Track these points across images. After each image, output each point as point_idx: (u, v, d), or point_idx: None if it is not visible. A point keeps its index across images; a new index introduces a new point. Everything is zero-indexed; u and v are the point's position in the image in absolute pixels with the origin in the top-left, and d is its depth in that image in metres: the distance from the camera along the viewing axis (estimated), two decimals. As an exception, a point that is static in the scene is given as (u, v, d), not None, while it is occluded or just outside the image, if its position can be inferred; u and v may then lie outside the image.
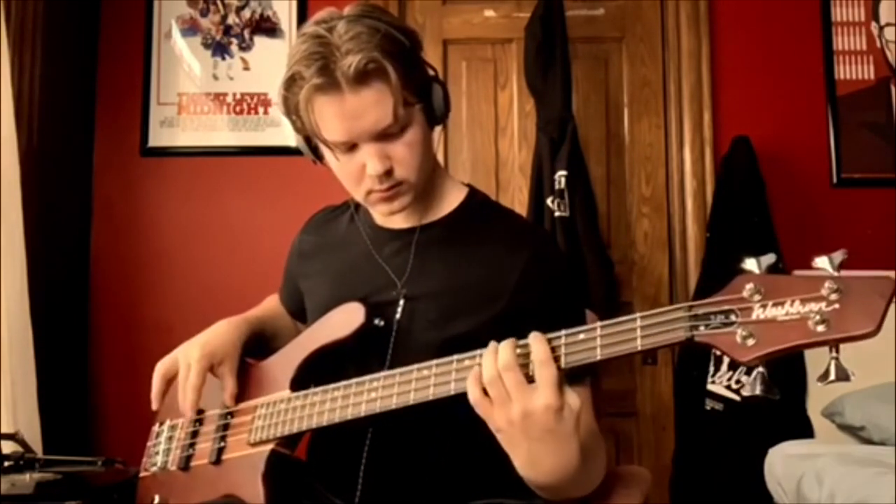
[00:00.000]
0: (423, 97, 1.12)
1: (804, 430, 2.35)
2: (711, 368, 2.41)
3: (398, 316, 1.16)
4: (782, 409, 2.35)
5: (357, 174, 1.12)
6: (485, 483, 1.13)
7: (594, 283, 2.40)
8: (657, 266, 2.72)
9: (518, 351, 0.91)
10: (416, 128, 1.11)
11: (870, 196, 2.68)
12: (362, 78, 1.04)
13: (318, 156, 1.19)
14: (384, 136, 1.09)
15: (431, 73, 1.16)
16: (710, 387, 2.40)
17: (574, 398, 0.89)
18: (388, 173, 1.10)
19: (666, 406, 2.63)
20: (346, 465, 1.16)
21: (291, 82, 1.08)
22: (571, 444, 0.90)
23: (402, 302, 1.17)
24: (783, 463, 2.11)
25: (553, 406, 0.87)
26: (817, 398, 2.35)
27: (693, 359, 2.47)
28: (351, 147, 1.10)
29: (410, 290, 1.17)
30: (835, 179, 2.70)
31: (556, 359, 0.89)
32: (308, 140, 1.18)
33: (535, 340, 0.90)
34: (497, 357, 0.90)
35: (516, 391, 0.88)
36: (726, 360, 2.38)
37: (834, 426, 2.29)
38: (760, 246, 2.44)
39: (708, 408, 2.39)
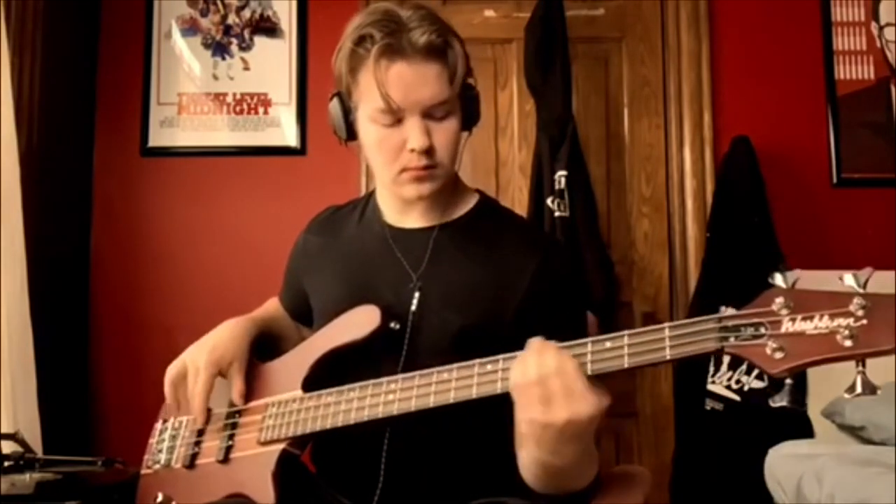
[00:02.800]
0: (466, 92, 1.17)
1: (804, 430, 2.35)
2: (711, 368, 2.41)
3: (413, 308, 1.16)
4: (782, 408, 2.35)
5: (397, 148, 1.14)
6: (498, 483, 1.13)
7: (594, 283, 2.41)
8: (657, 266, 2.72)
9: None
10: (456, 119, 1.16)
11: (870, 196, 2.68)
12: (429, 52, 1.10)
13: (350, 134, 1.19)
14: (431, 115, 1.12)
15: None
16: (710, 387, 2.40)
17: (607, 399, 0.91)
18: (429, 152, 1.13)
19: (666, 406, 2.63)
20: (360, 467, 1.16)
21: (361, 40, 1.11)
22: (589, 445, 0.94)
23: (417, 294, 1.17)
24: (783, 463, 2.11)
25: (598, 414, 0.89)
26: (817, 398, 2.35)
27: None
28: (397, 120, 1.12)
29: (426, 284, 1.17)
30: (835, 179, 2.70)
31: (582, 365, 0.91)
32: (346, 114, 1.18)
33: (565, 356, 0.90)
34: (546, 360, 0.90)
35: (563, 396, 0.89)
36: (726, 360, 2.38)
37: (834, 426, 2.28)
38: (760, 246, 2.44)
39: (708, 408, 2.39)
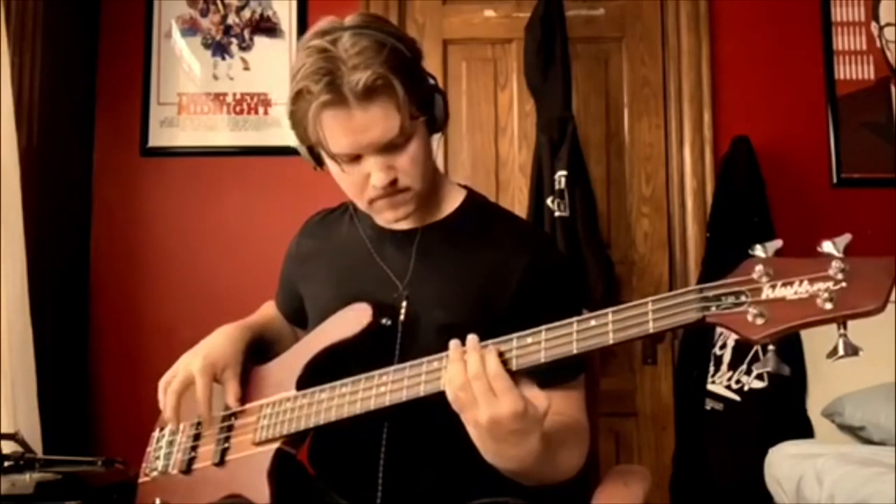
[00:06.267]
0: (426, 109, 1.13)
1: (804, 430, 2.35)
2: (711, 368, 2.40)
3: (402, 317, 1.16)
4: (782, 408, 2.35)
5: (361, 184, 1.13)
6: (498, 482, 1.13)
7: (594, 283, 2.40)
8: (657, 266, 2.72)
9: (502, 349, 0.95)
10: (419, 138, 1.12)
11: (870, 196, 2.68)
12: (370, 94, 1.04)
13: (319, 162, 1.19)
14: (388, 148, 1.09)
15: (432, 81, 1.17)
16: (710, 387, 2.40)
17: (541, 399, 0.95)
18: (393, 183, 1.11)
19: (666, 406, 2.63)
20: (357, 466, 1.16)
21: (298, 97, 1.08)
22: (532, 438, 0.94)
23: (404, 304, 1.17)
24: (783, 463, 2.11)
25: (519, 411, 0.91)
26: (817, 398, 2.35)
27: (693, 359, 2.47)
28: (355, 157, 1.10)
29: (413, 291, 1.18)
30: (835, 179, 2.70)
31: (567, 344, 0.92)
32: (311, 148, 1.18)
33: (488, 355, 0.94)
34: (466, 365, 0.94)
35: (483, 398, 0.92)
36: (726, 360, 2.38)
37: (834, 426, 2.28)
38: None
39: (708, 408, 2.39)
